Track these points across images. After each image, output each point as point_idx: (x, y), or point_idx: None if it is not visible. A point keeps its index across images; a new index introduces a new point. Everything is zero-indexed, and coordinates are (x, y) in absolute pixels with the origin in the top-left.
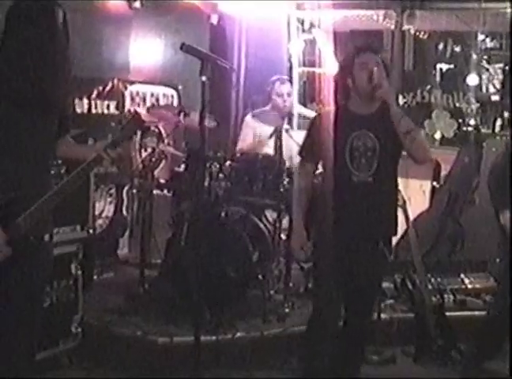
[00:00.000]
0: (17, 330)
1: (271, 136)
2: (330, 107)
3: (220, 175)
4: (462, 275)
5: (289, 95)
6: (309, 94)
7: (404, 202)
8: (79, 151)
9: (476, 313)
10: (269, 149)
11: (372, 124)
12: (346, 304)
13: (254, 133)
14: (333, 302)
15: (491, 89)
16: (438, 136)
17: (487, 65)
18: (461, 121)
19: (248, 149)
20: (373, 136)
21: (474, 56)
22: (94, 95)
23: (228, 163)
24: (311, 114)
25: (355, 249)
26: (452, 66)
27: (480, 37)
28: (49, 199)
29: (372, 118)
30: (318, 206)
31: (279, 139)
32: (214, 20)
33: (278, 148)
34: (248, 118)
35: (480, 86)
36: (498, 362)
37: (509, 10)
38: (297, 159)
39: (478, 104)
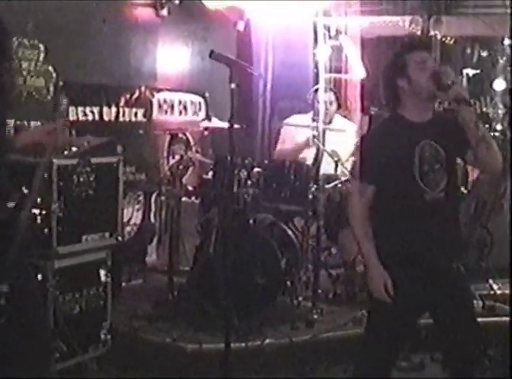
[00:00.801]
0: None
1: (313, 142)
2: (386, 116)
3: (248, 182)
4: (490, 281)
5: (331, 104)
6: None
7: None
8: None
9: (505, 318)
10: (303, 155)
11: (433, 132)
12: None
13: (292, 140)
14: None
15: None
16: None
17: None
18: (487, 126)
19: (287, 154)
20: (438, 146)
21: (501, 61)
22: (122, 103)
23: (256, 169)
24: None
25: (434, 270)
26: (478, 71)
27: (507, 41)
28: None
29: (431, 126)
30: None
31: (317, 148)
32: (241, 26)
33: (318, 156)
34: (287, 123)
35: (506, 91)
36: None
37: None
38: (326, 166)
39: (505, 109)
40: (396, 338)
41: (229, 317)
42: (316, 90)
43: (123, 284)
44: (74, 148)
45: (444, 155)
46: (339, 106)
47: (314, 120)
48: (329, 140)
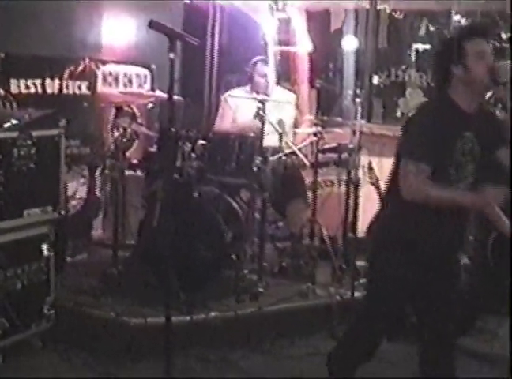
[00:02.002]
0: None
1: (256, 116)
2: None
3: (193, 155)
4: None
5: (270, 76)
6: (283, 73)
7: (378, 180)
8: None
9: None
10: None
11: (477, 125)
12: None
13: (234, 113)
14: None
15: None
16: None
17: None
18: None
19: (227, 129)
20: (476, 139)
21: (449, 35)
22: (65, 76)
23: (201, 142)
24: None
25: (441, 263)
26: (428, 47)
27: (455, 17)
28: None
29: (476, 118)
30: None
31: (262, 120)
32: None
33: (261, 129)
34: (226, 98)
35: None
36: (472, 340)
37: None
38: (269, 138)
39: None
40: (386, 320)
41: (173, 290)
42: (255, 63)
43: (68, 259)
44: (15, 121)
45: (479, 150)
46: (279, 78)
47: (257, 92)
48: (272, 111)
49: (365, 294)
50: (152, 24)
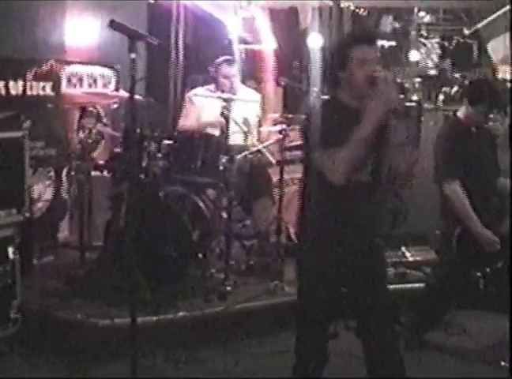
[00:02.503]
0: None
1: (222, 115)
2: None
3: (158, 154)
4: (403, 249)
5: (235, 76)
6: (248, 71)
7: None
8: None
9: (417, 285)
10: (210, 128)
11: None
12: (358, 309)
13: (198, 112)
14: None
15: (429, 64)
16: None
17: (424, 41)
18: (403, 96)
19: (192, 128)
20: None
21: (413, 32)
22: (29, 77)
23: (166, 142)
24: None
25: (358, 247)
26: (393, 43)
27: (420, 14)
28: None
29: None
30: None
31: (226, 119)
32: None
33: (226, 127)
34: (191, 96)
35: (420, 62)
36: (440, 334)
37: None
38: (235, 137)
39: (420, 79)
40: (322, 309)
41: (140, 290)
42: (219, 63)
43: (34, 261)
44: None
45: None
46: (244, 77)
47: (222, 91)
48: (237, 110)
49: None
50: (112, 24)
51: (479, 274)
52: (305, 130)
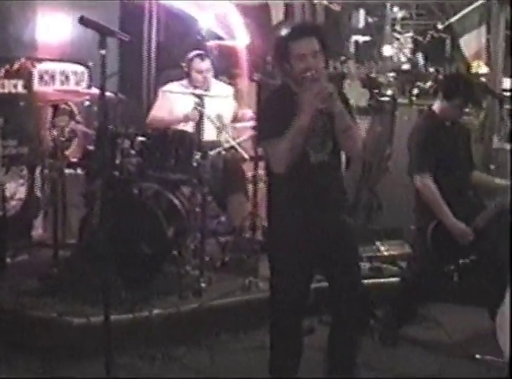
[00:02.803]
0: None
1: (195, 110)
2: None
3: (132, 151)
4: (378, 243)
5: (208, 71)
6: (221, 67)
7: None
8: None
9: (392, 279)
10: (183, 123)
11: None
12: (332, 288)
13: (170, 108)
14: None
15: (402, 59)
16: None
17: (398, 35)
18: (377, 91)
19: (162, 120)
20: (328, 116)
21: (387, 27)
22: (1, 75)
23: (140, 138)
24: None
25: (327, 227)
26: (368, 38)
27: (394, 9)
28: None
29: None
30: (276, 191)
31: (199, 115)
32: None
33: (199, 123)
34: (163, 92)
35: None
36: (414, 328)
37: None
38: (209, 133)
39: (394, 74)
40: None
41: (115, 288)
42: (191, 58)
43: (8, 260)
44: None
45: (328, 121)
46: (217, 72)
47: (195, 87)
48: (210, 106)
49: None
50: (82, 21)
51: (453, 267)
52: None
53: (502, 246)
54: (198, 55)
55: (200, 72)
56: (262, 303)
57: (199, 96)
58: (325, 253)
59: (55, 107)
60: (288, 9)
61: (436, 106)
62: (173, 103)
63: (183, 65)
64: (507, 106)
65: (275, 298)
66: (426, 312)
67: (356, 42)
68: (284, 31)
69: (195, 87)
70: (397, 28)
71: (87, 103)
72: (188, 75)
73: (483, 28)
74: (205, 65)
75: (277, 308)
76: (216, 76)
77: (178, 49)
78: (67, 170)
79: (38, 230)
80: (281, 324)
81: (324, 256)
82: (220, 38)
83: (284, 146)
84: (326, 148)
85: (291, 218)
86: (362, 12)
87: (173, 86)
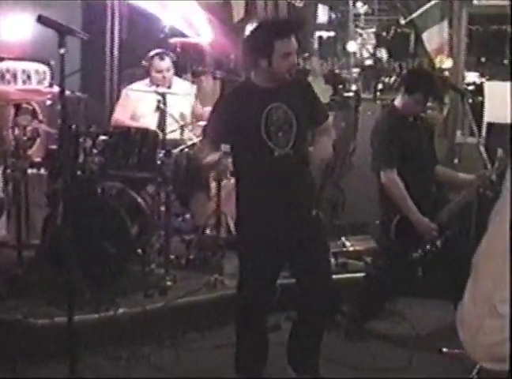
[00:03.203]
0: None
1: (157, 110)
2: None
3: (94, 150)
4: (343, 238)
5: (168, 70)
6: (184, 64)
7: None
8: None
9: (358, 275)
10: (146, 122)
11: (281, 96)
12: (301, 283)
13: (134, 107)
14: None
15: (366, 54)
16: None
17: (361, 31)
18: (341, 86)
19: (126, 123)
20: (286, 107)
21: (350, 23)
22: None
23: (102, 137)
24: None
25: (295, 221)
26: (332, 34)
27: (359, 4)
28: None
29: (279, 90)
30: (242, 185)
31: (161, 113)
32: None
33: (161, 122)
34: (127, 91)
35: (358, 52)
36: (381, 323)
37: None
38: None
39: (358, 70)
40: (262, 292)
41: (77, 288)
42: (151, 57)
43: None
44: None
45: (293, 116)
46: (180, 70)
47: (157, 85)
48: (172, 104)
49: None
50: (41, 19)
51: (416, 260)
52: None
53: (465, 240)
54: (158, 54)
55: (159, 71)
56: (228, 301)
57: (161, 94)
58: (293, 249)
59: (17, 107)
60: (250, 6)
61: (398, 100)
62: (136, 104)
63: (144, 64)
64: (470, 101)
65: (241, 293)
66: (392, 306)
67: (320, 38)
68: (267, 29)
69: (157, 86)
70: (360, 23)
71: (49, 102)
72: (149, 74)
73: (446, 23)
74: (165, 64)
75: (243, 303)
76: (179, 75)
77: (141, 47)
78: (30, 170)
79: (1, 231)
80: (247, 320)
81: (292, 251)
82: (184, 35)
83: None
84: (290, 143)
85: (257, 212)
86: (325, 8)
87: (136, 86)
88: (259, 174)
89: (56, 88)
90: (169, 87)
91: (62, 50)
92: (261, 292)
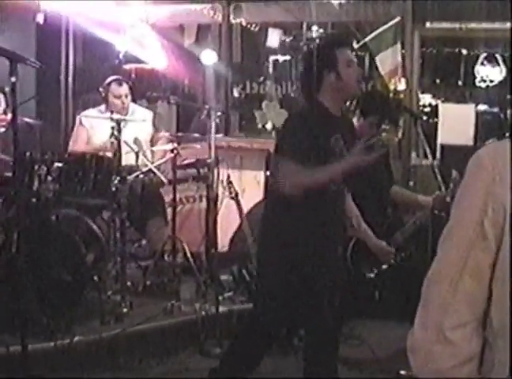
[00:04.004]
0: None
1: (111, 136)
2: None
3: (49, 177)
4: None
5: (127, 96)
6: (139, 90)
7: (237, 194)
8: None
9: None
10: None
11: (342, 127)
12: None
13: (89, 134)
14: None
15: None
16: (269, 126)
17: None
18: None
19: (82, 151)
20: (343, 141)
21: (305, 47)
22: None
23: (57, 164)
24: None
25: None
26: (286, 58)
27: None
28: None
29: (342, 121)
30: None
31: (117, 140)
32: (40, 19)
33: (117, 148)
34: (81, 118)
35: None
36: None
37: (335, 1)
38: (126, 157)
39: None
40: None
41: (29, 316)
42: (109, 83)
43: None
44: None
45: (346, 151)
46: (134, 97)
47: (112, 112)
48: (128, 130)
49: (254, 301)
50: None
51: (373, 282)
52: (279, 139)
53: (421, 262)
54: (116, 80)
55: (118, 97)
56: (185, 326)
57: (116, 121)
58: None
59: None
60: (201, 30)
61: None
62: (90, 131)
63: (101, 90)
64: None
65: (254, 317)
66: (349, 329)
67: (275, 62)
68: (329, 40)
69: (112, 112)
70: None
71: (2, 129)
72: (106, 100)
73: (399, 46)
74: (123, 90)
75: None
76: (134, 101)
77: (96, 73)
78: None
79: None
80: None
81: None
82: (138, 61)
83: (318, 179)
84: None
85: (297, 245)
86: (278, 31)
87: (90, 112)
88: (314, 206)
89: (11, 115)
90: (126, 114)
91: (13, 79)
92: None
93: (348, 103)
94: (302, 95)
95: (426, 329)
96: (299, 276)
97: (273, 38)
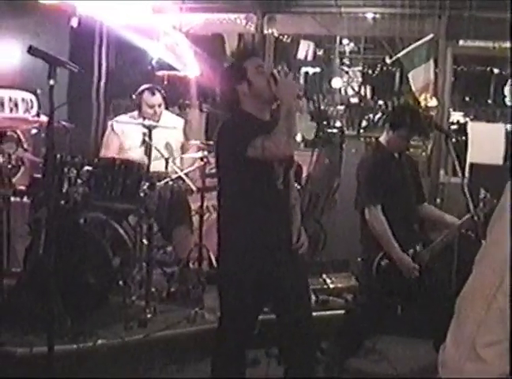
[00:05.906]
0: None
1: (143, 142)
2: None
3: (78, 181)
4: (324, 276)
5: (160, 105)
6: (171, 97)
7: None
8: None
9: (339, 312)
10: (132, 155)
11: (270, 130)
12: (281, 320)
13: (120, 140)
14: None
15: (350, 92)
16: (299, 138)
17: (346, 69)
18: (326, 122)
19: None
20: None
21: (336, 59)
22: None
23: (86, 168)
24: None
25: (282, 254)
26: (318, 70)
27: (344, 41)
28: None
29: (271, 125)
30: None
31: (148, 147)
32: (74, 22)
33: (148, 154)
34: (113, 124)
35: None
36: (360, 360)
37: (369, 15)
38: (156, 164)
39: (343, 106)
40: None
41: (60, 318)
42: (142, 91)
43: None
44: None
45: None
46: (167, 105)
47: (144, 118)
48: (159, 137)
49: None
50: (31, 50)
51: (397, 300)
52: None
53: (446, 280)
54: (148, 89)
55: (151, 106)
56: (208, 334)
57: (148, 127)
58: (275, 285)
59: (2, 134)
60: (241, 39)
61: (383, 137)
62: (122, 137)
63: (134, 98)
64: (453, 140)
65: (221, 327)
66: (371, 344)
67: (305, 74)
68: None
69: (145, 118)
70: (346, 61)
71: (34, 130)
72: (139, 108)
73: (432, 63)
74: (156, 99)
75: (222, 337)
76: (166, 108)
77: (129, 78)
78: (13, 198)
79: None
80: (225, 354)
81: (274, 287)
82: (171, 68)
83: (282, 130)
84: (280, 177)
85: (243, 247)
86: (310, 44)
87: (122, 118)
88: (253, 203)
89: (43, 117)
90: (158, 120)
91: (51, 82)
92: (241, 327)
93: (377, 117)
94: (225, 108)
95: (458, 346)
96: (255, 272)
97: (304, 50)
